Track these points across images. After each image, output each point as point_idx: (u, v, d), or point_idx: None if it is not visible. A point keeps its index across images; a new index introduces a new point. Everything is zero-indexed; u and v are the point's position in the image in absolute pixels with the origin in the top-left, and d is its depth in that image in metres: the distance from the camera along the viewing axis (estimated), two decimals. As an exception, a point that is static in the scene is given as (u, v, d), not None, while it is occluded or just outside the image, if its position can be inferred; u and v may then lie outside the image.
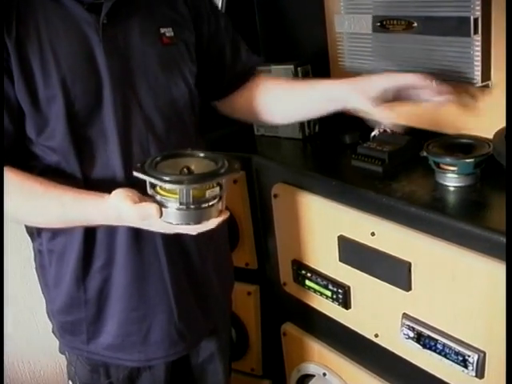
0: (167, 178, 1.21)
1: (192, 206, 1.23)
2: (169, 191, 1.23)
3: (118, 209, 1.27)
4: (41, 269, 1.56)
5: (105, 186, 1.34)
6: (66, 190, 1.33)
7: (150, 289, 1.51)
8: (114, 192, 1.29)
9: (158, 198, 1.24)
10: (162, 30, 1.44)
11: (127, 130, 1.38)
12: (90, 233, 1.43)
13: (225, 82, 1.65)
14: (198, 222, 1.25)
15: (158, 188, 1.24)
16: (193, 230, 1.28)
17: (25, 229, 1.55)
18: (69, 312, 1.53)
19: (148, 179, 1.23)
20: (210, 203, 1.25)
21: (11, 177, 1.31)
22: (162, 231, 1.34)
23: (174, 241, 1.49)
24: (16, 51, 1.28)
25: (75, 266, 1.46)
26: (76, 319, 1.52)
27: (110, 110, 1.36)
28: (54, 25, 1.31)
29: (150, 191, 1.25)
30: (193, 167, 1.28)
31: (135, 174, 1.25)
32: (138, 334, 1.53)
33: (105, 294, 1.50)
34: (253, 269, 2.08)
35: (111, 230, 1.42)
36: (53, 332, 1.65)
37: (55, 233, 1.45)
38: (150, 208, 1.23)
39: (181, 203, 1.22)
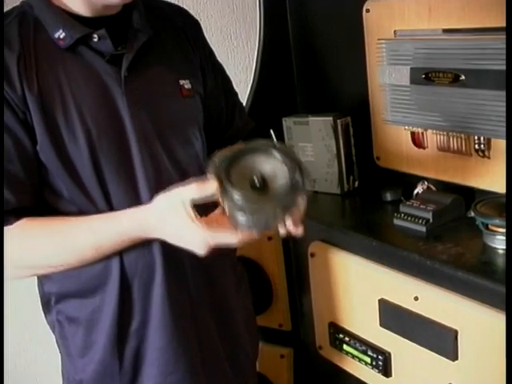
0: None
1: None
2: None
3: (169, 222, 1.26)
4: (62, 340, 1.50)
5: None
6: (92, 216, 1.33)
7: (186, 352, 1.47)
8: (161, 199, 1.27)
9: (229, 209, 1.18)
10: (181, 82, 1.46)
11: (158, 182, 1.36)
12: (125, 293, 1.39)
13: (213, 140, 1.63)
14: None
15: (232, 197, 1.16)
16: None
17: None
18: (101, 381, 1.47)
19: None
20: None
21: (33, 226, 1.30)
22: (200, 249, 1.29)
23: (208, 300, 1.50)
24: (39, 106, 1.27)
25: (109, 331, 1.41)
26: None
27: (139, 163, 1.36)
28: (75, 77, 1.31)
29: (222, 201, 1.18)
30: (265, 175, 1.21)
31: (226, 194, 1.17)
32: None
33: (140, 359, 1.46)
34: (286, 330, 2.06)
35: (146, 288, 1.40)
36: None
37: (82, 298, 1.42)
38: (227, 236, 1.23)
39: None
